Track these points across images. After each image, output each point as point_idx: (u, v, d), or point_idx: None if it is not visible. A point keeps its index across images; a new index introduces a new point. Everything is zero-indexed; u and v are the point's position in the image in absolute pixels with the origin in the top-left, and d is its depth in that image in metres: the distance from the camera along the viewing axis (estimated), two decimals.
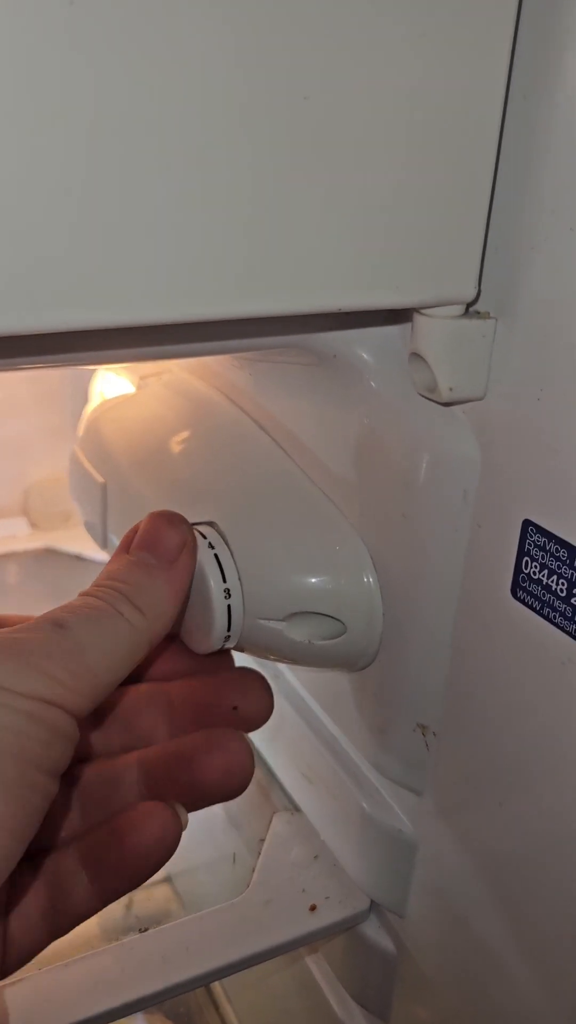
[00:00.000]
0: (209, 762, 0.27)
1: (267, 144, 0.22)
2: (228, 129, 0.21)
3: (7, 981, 0.35)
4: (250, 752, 0.28)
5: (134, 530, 0.27)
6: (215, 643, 0.35)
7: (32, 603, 0.69)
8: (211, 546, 0.33)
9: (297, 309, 0.24)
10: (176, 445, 0.40)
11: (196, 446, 0.39)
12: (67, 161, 0.20)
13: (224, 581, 0.33)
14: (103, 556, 0.68)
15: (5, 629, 0.23)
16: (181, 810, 0.26)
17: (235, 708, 0.29)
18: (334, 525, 0.34)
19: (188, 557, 0.27)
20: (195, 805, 0.27)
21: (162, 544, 0.27)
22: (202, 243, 0.22)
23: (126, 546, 0.27)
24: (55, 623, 0.23)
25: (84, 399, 0.70)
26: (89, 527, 0.43)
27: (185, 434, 0.40)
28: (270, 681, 0.44)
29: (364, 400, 0.32)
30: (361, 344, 0.31)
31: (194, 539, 0.28)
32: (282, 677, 0.44)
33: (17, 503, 0.72)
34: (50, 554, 0.68)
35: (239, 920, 0.38)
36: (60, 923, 0.25)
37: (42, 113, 0.19)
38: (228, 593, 0.33)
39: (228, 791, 0.27)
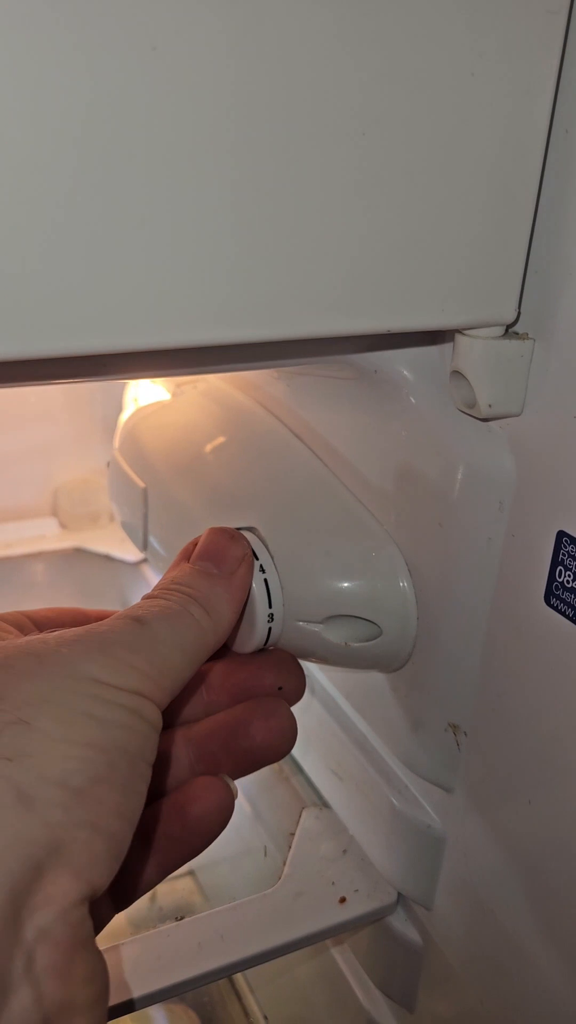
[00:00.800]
0: (262, 726, 0.30)
1: (321, 173, 0.23)
2: (281, 159, 0.22)
3: None
4: (294, 716, 0.30)
5: (193, 543, 0.29)
6: (251, 650, 0.37)
7: (61, 602, 0.71)
8: (262, 569, 0.35)
9: (348, 330, 0.25)
10: (214, 452, 0.41)
11: (234, 453, 0.41)
12: (117, 184, 0.21)
13: (269, 607, 0.35)
14: (132, 556, 0.70)
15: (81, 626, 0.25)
16: (231, 782, 0.28)
17: (280, 688, 0.32)
18: (370, 532, 0.35)
19: (246, 570, 0.29)
20: (246, 770, 0.30)
21: (224, 556, 0.29)
22: (252, 268, 0.23)
23: (186, 556, 0.29)
24: (135, 619, 0.25)
25: (114, 404, 0.72)
26: (128, 528, 0.45)
27: (223, 441, 0.42)
28: None
29: (403, 414, 0.33)
30: (401, 361, 0.32)
31: (251, 554, 0.30)
32: (313, 677, 0.45)
33: (47, 504, 0.74)
34: (79, 554, 0.70)
35: (272, 911, 0.39)
36: (124, 898, 0.27)
37: (96, 137, 0.20)
38: (271, 618, 0.35)
39: (278, 753, 0.30)
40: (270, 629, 0.35)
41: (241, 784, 0.55)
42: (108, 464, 0.49)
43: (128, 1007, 0.35)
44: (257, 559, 0.35)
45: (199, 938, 0.38)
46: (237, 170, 0.22)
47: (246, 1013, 0.63)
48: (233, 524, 0.37)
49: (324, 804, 0.45)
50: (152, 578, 0.68)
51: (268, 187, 0.22)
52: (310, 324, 0.25)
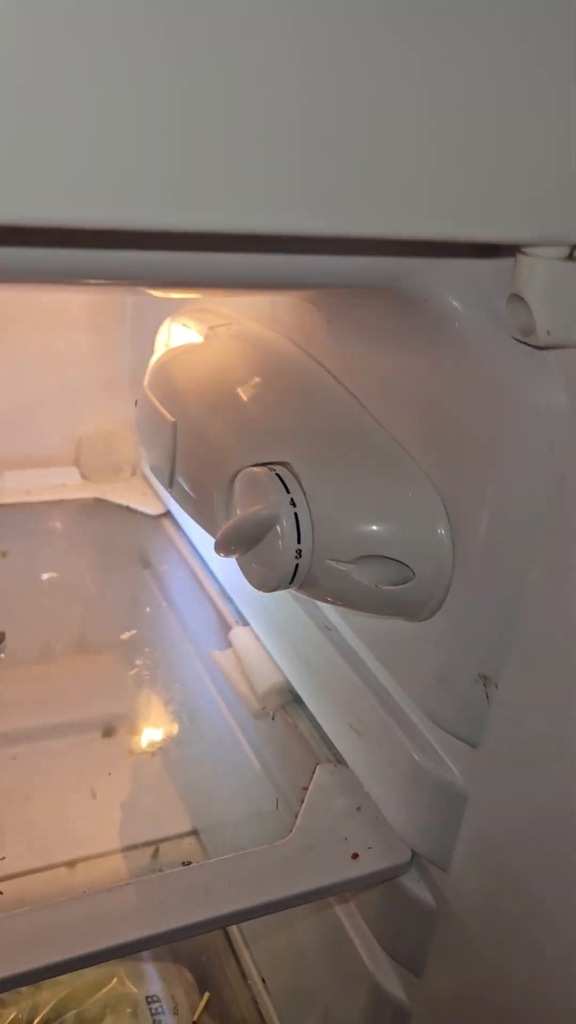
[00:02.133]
0: None
1: (391, 54, 0.21)
2: (351, 32, 0.21)
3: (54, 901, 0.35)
4: None
5: None
6: (275, 589, 0.35)
7: (79, 550, 0.70)
8: (293, 504, 0.33)
9: (407, 234, 0.24)
10: (247, 388, 0.40)
11: (267, 390, 0.40)
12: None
13: (298, 542, 0.33)
14: (151, 509, 0.68)
15: None
16: None
17: None
18: (407, 474, 0.34)
19: None
20: None
21: None
22: (317, 155, 0.22)
23: None
24: None
25: (142, 353, 0.70)
26: (155, 470, 0.43)
27: (256, 379, 0.41)
28: (321, 634, 0.44)
29: (450, 346, 0.31)
30: (451, 289, 0.31)
31: None
32: (335, 631, 0.44)
33: (69, 453, 0.73)
34: (100, 504, 0.69)
35: (282, 861, 0.38)
36: None
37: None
38: (299, 554, 0.33)
39: None
40: (297, 566, 0.34)
41: (252, 739, 0.54)
42: (136, 403, 0.47)
43: (131, 947, 0.34)
44: (288, 493, 0.34)
45: (206, 884, 0.37)
46: (307, 41, 0.20)
47: (243, 975, 0.62)
48: (265, 459, 0.36)
49: (339, 760, 0.44)
50: (172, 532, 0.66)
51: (336, 68, 0.21)
52: (370, 223, 0.23)
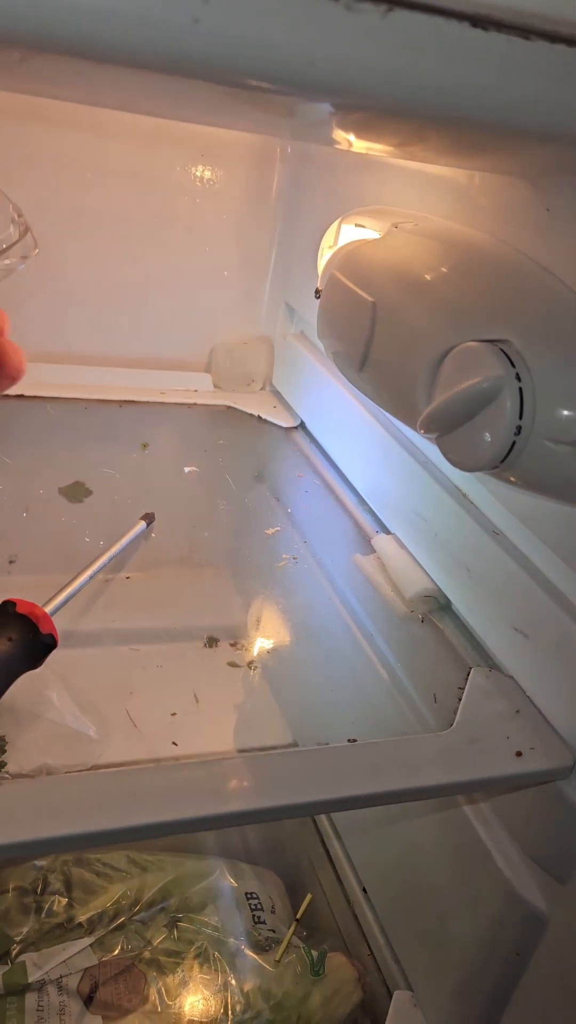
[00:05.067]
0: None
1: None
2: None
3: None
4: None
5: None
6: (484, 467, 0.35)
7: (212, 454, 0.71)
8: (518, 378, 0.32)
9: None
10: (452, 273, 0.39)
11: (475, 274, 0.39)
12: None
13: (520, 418, 0.32)
14: (281, 421, 0.68)
15: None
16: None
17: None
18: None
19: None
20: None
21: None
22: None
23: None
24: None
25: (286, 270, 0.70)
26: (342, 356, 0.43)
27: (459, 264, 0.39)
28: (490, 539, 0.43)
29: None
30: None
31: None
32: (504, 536, 0.43)
33: (202, 360, 0.73)
34: (231, 412, 0.69)
35: (448, 750, 0.38)
36: None
37: None
38: (519, 431, 0.33)
39: None
40: (514, 444, 0.33)
41: (385, 646, 0.54)
42: (316, 293, 0.47)
43: (306, 809, 0.35)
44: (514, 367, 0.33)
45: (375, 760, 0.37)
46: None
47: (341, 884, 0.63)
48: (480, 337, 0.35)
49: (492, 666, 0.44)
50: (304, 445, 0.66)
51: None
52: None
